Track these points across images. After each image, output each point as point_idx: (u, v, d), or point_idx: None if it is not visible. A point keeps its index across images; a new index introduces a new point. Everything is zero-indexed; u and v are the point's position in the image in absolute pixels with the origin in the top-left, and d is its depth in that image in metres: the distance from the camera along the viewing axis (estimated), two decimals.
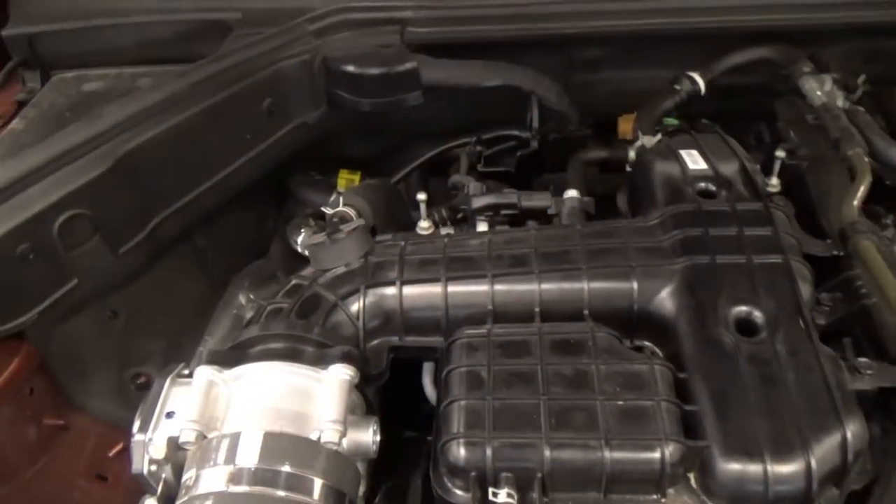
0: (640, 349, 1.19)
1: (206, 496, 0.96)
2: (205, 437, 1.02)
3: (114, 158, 1.35)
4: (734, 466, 0.96)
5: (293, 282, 1.30)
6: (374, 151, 1.95)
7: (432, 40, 1.65)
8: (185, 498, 0.97)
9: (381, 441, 1.08)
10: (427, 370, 1.34)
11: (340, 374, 1.07)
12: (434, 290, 1.23)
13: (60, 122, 1.50)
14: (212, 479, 0.97)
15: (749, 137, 1.81)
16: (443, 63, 1.64)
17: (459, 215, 1.57)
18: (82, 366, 1.46)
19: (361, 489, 1.09)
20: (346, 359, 1.09)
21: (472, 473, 1.00)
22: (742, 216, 1.26)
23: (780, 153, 1.41)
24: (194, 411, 1.03)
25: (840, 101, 1.54)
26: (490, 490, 0.98)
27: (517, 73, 1.69)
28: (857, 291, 1.20)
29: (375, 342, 1.25)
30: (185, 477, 1.01)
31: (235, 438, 0.99)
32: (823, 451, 0.96)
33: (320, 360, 1.10)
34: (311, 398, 1.07)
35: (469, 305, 1.23)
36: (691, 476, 1.01)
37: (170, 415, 1.08)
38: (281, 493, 0.96)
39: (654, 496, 1.00)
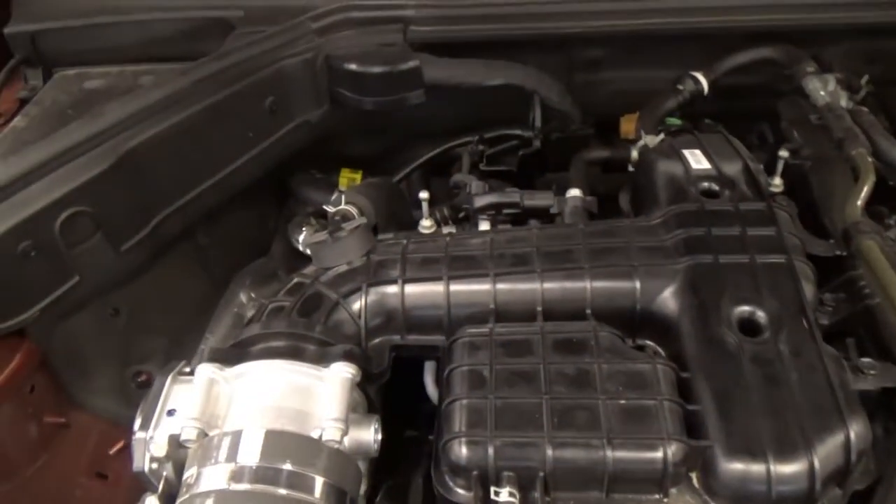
0: (642, 349, 1.18)
1: (207, 494, 0.96)
2: (206, 434, 1.02)
3: (115, 156, 1.35)
4: (737, 466, 0.96)
5: (295, 280, 1.30)
6: (376, 150, 1.95)
7: (435, 39, 1.65)
8: (187, 496, 0.97)
9: (382, 440, 1.08)
10: (429, 369, 1.34)
11: (342, 373, 1.07)
12: (436, 288, 1.23)
13: (62, 119, 1.50)
14: (213, 477, 0.97)
15: (752, 137, 1.81)
16: (445, 62, 1.64)
17: (461, 214, 1.56)
18: (83, 363, 1.46)
19: (363, 488, 1.09)
20: (347, 357, 1.09)
21: (474, 472, 0.99)
22: (745, 216, 1.25)
23: (784, 153, 1.41)
24: (195, 409, 1.02)
25: (844, 102, 1.54)
26: (492, 489, 0.98)
27: (519, 72, 1.68)
28: (860, 291, 1.20)
29: (377, 341, 1.25)
30: (186, 475, 1.01)
31: (237, 436, 0.99)
32: (827, 451, 0.96)
33: (322, 359, 1.10)
34: (313, 396, 1.06)
35: (471, 304, 1.22)
36: (694, 476, 1.00)
37: (171, 412, 1.07)
38: (282, 492, 0.96)
39: (657, 496, 0.99)
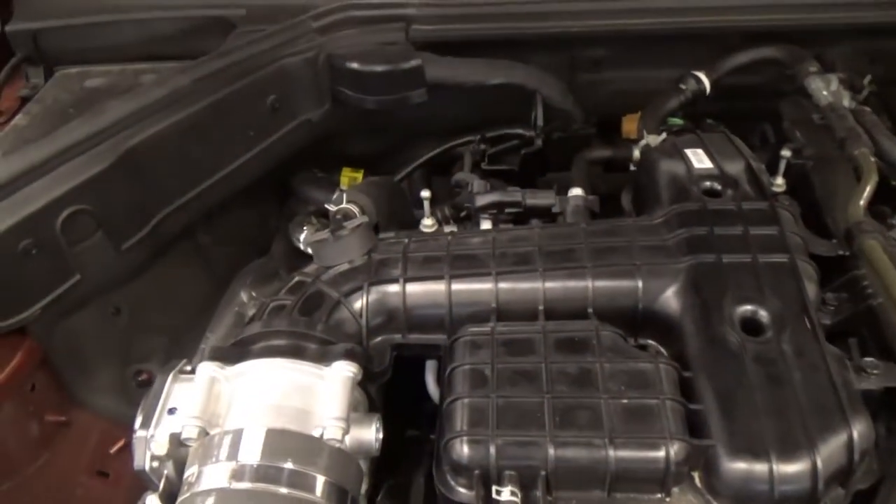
0: (644, 348, 1.18)
1: (208, 493, 0.95)
2: (207, 433, 1.01)
3: (117, 154, 1.35)
4: (739, 466, 0.95)
5: (296, 279, 1.30)
6: (378, 149, 1.95)
7: (437, 38, 1.65)
8: (187, 494, 0.97)
9: (383, 439, 1.08)
10: (430, 368, 1.34)
11: (343, 371, 1.07)
12: (437, 287, 1.23)
13: (64, 118, 1.50)
14: (214, 475, 0.97)
15: (753, 137, 1.81)
16: (447, 61, 1.64)
17: (463, 213, 1.56)
18: (84, 362, 1.46)
19: (364, 487, 1.09)
20: (349, 356, 1.08)
21: (476, 471, 0.99)
22: (748, 215, 1.25)
23: (786, 152, 1.41)
24: (196, 407, 1.02)
25: (846, 101, 1.53)
26: (494, 488, 0.97)
27: (521, 71, 1.68)
28: (862, 291, 1.19)
29: (378, 339, 1.25)
30: (186, 473, 1.00)
31: (238, 435, 0.99)
32: (829, 450, 0.95)
33: (323, 357, 1.09)
34: (314, 395, 1.06)
35: (473, 303, 1.22)
36: (696, 475, 1.00)
37: (172, 411, 1.07)
38: (283, 490, 0.95)
39: (659, 495, 0.99)
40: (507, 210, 1.49)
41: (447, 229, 1.46)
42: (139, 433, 1.06)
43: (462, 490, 1.02)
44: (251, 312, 1.52)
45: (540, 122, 1.77)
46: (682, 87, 1.68)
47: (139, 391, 1.45)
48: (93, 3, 1.74)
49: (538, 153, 1.83)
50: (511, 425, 1.01)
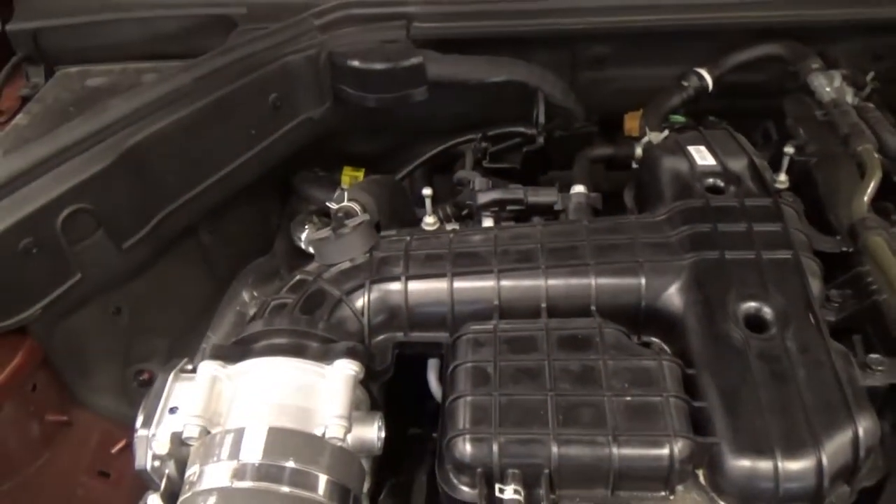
0: (647, 345, 1.17)
1: (209, 492, 0.95)
2: (208, 432, 1.01)
3: (117, 153, 1.34)
4: (744, 463, 0.95)
5: (297, 277, 1.29)
6: (379, 148, 1.94)
7: (438, 36, 1.65)
8: (189, 494, 0.96)
9: (385, 437, 1.07)
10: (432, 366, 1.33)
11: (345, 370, 1.06)
12: (439, 285, 1.22)
13: (64, 117, 1.50)
14: (215, 474, 0.96)
15: (756, 135, 1.80)
16: (448, 58, 1.64)
17: (464, 211, 1.56)
18: (85, 362, 1.45)
19: (366, 485, 1.08)
20: (350, 354, 1.08)
21: (479, 470, 0.98)
22: (751, 212, 1.24)
23: (789, 149, 1.40)
24: (198, 406, 1.02)
25: (849, 98, 1.53)
26: (497, 486, 0.97)
27: (523, 69, 1.68)
28: (867, 288, 1.19)
29: (380, 338, 1.24)
30: (188, 473, 1.00)
31: (239, 434, 0.99)
32: (835, 447, 0.95)
33: (325, 356, 1.09)
34: (316, 394, 1.06)
35: (475, 301, 1.22)
36: (700, 473, 0.99)
37: (173, 410, 1.07)
38: (285, 489, 0.95)
39: (663, 493, 0.98)
40: (509, 208, 1.49)
41: (449, 227, 1.46)
42: (140, 432, 1.06)
43: (465, 488, 1.01)
44: (252, 312, 1.52)
45: (542, 119, 1.76)
46: (685, 84, 1.68)
47: (140, 391, 1.44)
48: (93, 1, 1.73)
49: (540, 151, 1.82)
50: (514, 423, 1.00)
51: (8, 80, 1.72)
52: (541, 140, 1.80)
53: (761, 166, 1.36)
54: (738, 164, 1.35)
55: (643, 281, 1.18)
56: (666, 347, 1.17)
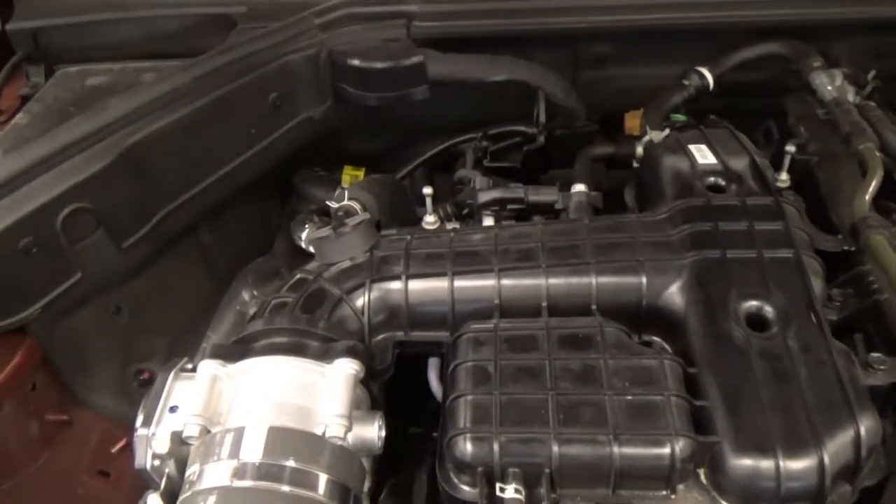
0: (648, 344, 1.17)
1: (209, 491, 0.95)
2: (208, 431, 1.01)
3: (117, 152, 1.34)
4: (745, 462, 0.94)
5: (298, 276, 1.29)
6: (379, 147, 1.94)
7: (439, 35, 1.65)
8: (189, 493, 0.96)
9: (386, 436, 1.07)
10: (433, 366, 1.33)
11: (345, 369, 1.06)
12: (440, 284, 1.22)
13: (64, 116, 1.49)
14: (215, 473, 0.96)
15: (757, 134, 1.80)
16: (449, 57, 1.63)
17: (465, 210, 1.56)
18: (85, 361, 1.45)
19: (366, 485, 1.08)
20: (351, 353, 1.08)
21: (479, 469, 0.98)
22: (752, 211, 1.24)
23: (790, 148, 1.40)
24: (198, 406, 1.01)
25: (851, 96, 1.53)
26: (497, 486, 0.97)
27: (524, 68, 1.68)
28: (868, 287, 1.19)
29: (381, 337, 1.24)
30: (188, 472, 1.00)
31: (239, 433, 0.98)
32: (836, 446, 0.95)
33: (325, 355, 1.09)
34: (316, 393, 1.05)
35: (475, 300, 1.21)
36: (701, 472, 0.99)
37: (173, 409, 1.07)
38: (285, 489, 0.95)
39: (664, 492, 0.98)
40: (510, 207, 1.49)
41: (449, 226, 1.45)
42: (140, 432, 1.06)
43: (465, 488, 1.01)
44: (252, 311, 1.52)
45: (542, 118, 1.76)
46: (686, 83, 1.68)
47: (140, 390, 1.44)
48: (93, 1, 1.73)
49: (541, 150, 1.82)
50: (515, 422, 1.00)
51: (8, 79, 1.72)
52: (541, 139, 1.80)
53: (762, 165, 1.35)
54: (739, 163, 1.35)
55: (644, 280, 1.18)
56: (667, 346, 1.17)
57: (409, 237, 1.31)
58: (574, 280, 1.20)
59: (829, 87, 1.54)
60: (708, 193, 1.29)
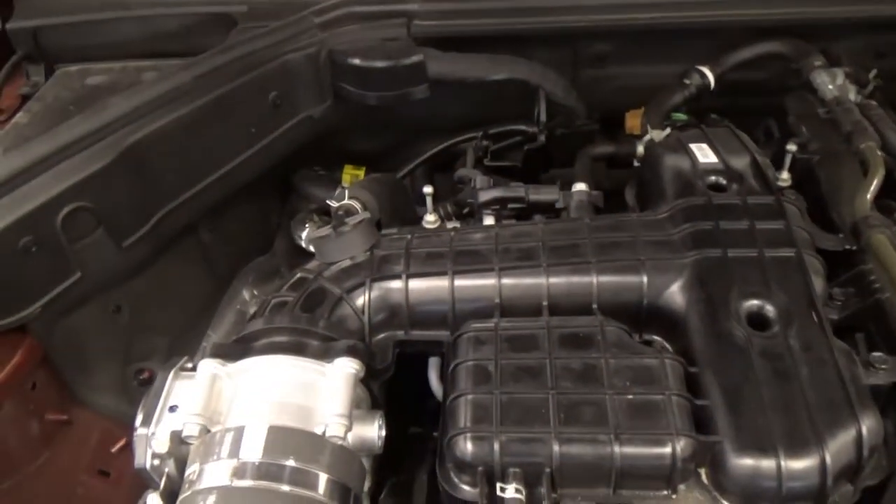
0: (649, 344, 1.16)
1: (209, 491, 0.94)
2: (208, 430, 1.00)
3: (117, 151, 1.34)
4: (747, 462, 0.94)
5: (298, 275, 1.29)
6: (380, 147, 1.94)
7: (439, 34, 1.65)
8: (188, 493, 0.96)
9: (386, 436, 1.07)
10: (433, 365, 1.33)
11: (346, 368, 1.06)
12: (440, 283, 1.22)
13: (64, 115, 1.49)
14: (215, 473, 0.96)
15: (758, 133, 1.80)
16: (449, 56, 1.63)
17: (465, 210, 1.56)
18: (85, 360, 1.45)
19: (367, 484, 1.08)
20: (351, 352, 1.07)
21: (480, 468, 0.98)
22: (753, 210, 1.24)
23: (792, 147, 1.40)
24: (198, 405, 1.01)
25: (852, 95, 1.52)
26: (498, 485, 0.96)
27: (524, 67, 1.67)
28: (869, 286, 1.18)
29: (381, 336, 1.24)
30: (188, 471, 0.99)
31: (239, 432, 0.98)
32: (838, 446, 0.94)
33: (325, 354, 1.08)
34: (316, 392, 1.05)
35: (476, 299, 1.21)
36: (702, 472, 0.99)
37: (173, 408, 1.06)
38: (285, 488, 0.94)
39: (665, 492, 0.98)
40: (511, 206, 1.49)
41: (450, 225, 1.45)
42: (140, 431, 1.06)
43: (466, 487, 1.01)
44: (253, 310, 1.51)
45: (543, 117, 1.76)
46: (686, 82, 1.67)
47: (140, 390, 1.44)
48: (93, 0, 1.73)
49: (541, 149, 1.82)
50: (515, 422, 1.00)
51: (8, 78, 1.71)
52: (542, 138, 1.80)
53: (764, 164, 1.35)
54: (740, 162, 1.35)
55: (645, 279, 1.17)
56: (668, 346, 1.16)
57: (409, 236, 1.31)
58: (575, 279, 1.20)
59: (831, 86, 1.53)
60: (709, 192, 1.29)
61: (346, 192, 1.44)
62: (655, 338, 1.19)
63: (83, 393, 1.46)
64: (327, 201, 1.44)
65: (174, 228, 1.49)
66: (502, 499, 0.95)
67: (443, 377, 1.20)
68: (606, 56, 1.80)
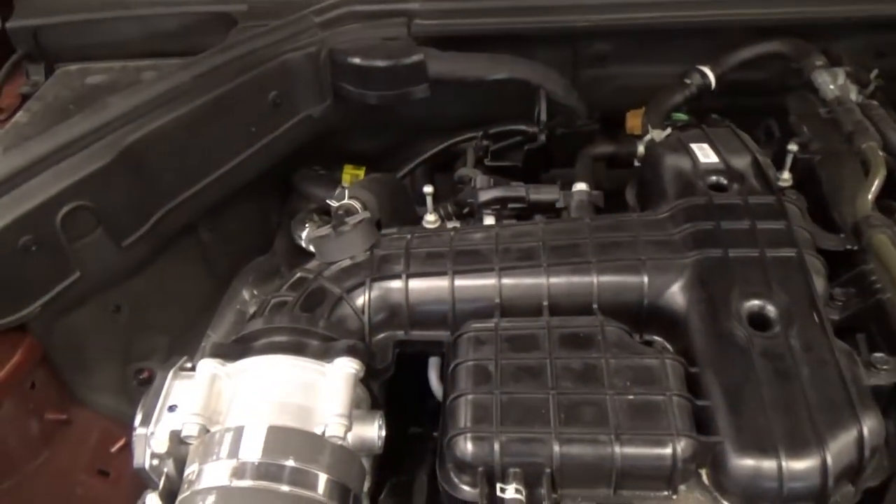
0: (650, 344, 1.16)
1: (208, 491, 0.94)
2: (208, 430, 1.00)
3: (117, 150, 1.34)
4: (748, 462, 0.94)
5: (298, 275, 1.28)
6: (380, 146, 1.94)
7: (439, 33, 1.64)
8: (188, 493, 0.96)
9: (386, 436, 1.06)
10: (433, 365, 1.32)
11: (345, 368, 1.06)
12: (440, 283, 1.21)
13: (64, 115, 1.49)
14: (215, 473, 0.95)
15: (759, 132, 1.79)
16: (449, 56, 1.63)
17: (465, 210, 1.55)
18: (85, 360, 1.45)
19: (366, 485, 1.08)
20: (351, 352, 1.07)
21: (480, 469, 0.98)
22: (754, 209, 1.24)
23: (793, 147, 1.39)
24: (197, 405, 1.01)
25: (853, 95, 1.52)
26: (498, 486, 0.96)
27: (524, 67, 1.67)
28: (871, 286, 1.18)
29: (381, 336, 1.23)
30: (187, 471, 0.99)
31: (239, 432, 0.98)
32: (839, 446, 0.94)
33: (325, 354, 1.08)
34: (316, 392, 1.05)
35: (476, 299, 1.21)
36: (703, 472, 0.99)
37: (172, 408, 1.06)
38: (285, 488, 0.94)
39: (666, 492, 0.98)
40: (511, 206, 1.48)
41: (450, 225, 1.45)
42: (139, 431, 1.05)
43: (466, 488, 1.01)
44: (252, 310, 1.51)
45: (543, 117, 1.76)
46: (687, 81, 1.67)
47: (140, 389, 1.44)
48: None
49: (541, 149, 1.82)
50: (515, 422, 0.99)
51: (8, 77, 1.71)
52: (542, 138, 1.79)
53: (764, 164, 1.35)
54: (741, 162, 1.34)
55: (645, 279, 1.17)
56: (668, 346, 1.16)
57: (409, 236, 1.31)
58: (575, 279, 1.19)
59: (832, 86, 1.53)
60: (710, 192, 1.28)
61: (346, 191, 1.43)
62: (656, 338, 1.18)
63: (83, 392, 1.46)
64: (327, 201, 1.44)
65: (174, 228, 1.49)
66: (502, 499, 0.95)
67: (443, 377, 1.20)
68: (607, 56, 1.80)
